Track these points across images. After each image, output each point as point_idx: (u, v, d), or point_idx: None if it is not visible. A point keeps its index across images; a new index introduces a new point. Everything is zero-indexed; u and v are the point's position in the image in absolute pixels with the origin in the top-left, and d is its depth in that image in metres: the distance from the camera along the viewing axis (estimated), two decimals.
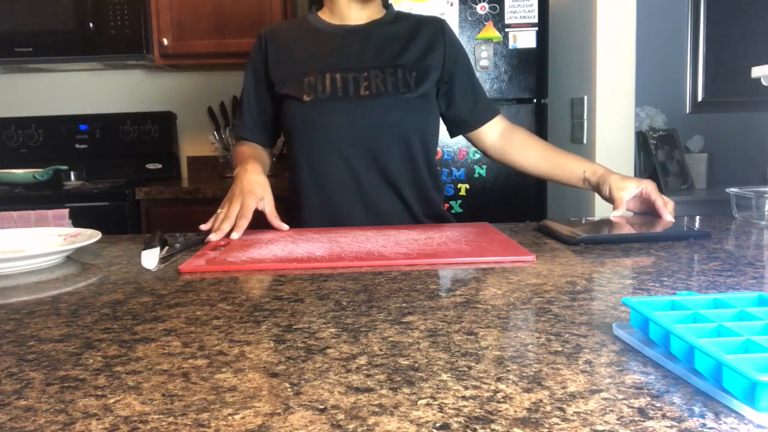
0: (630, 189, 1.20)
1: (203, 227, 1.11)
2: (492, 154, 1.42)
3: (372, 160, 1.28)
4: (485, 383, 0.46)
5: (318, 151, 1.29)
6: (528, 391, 0.45)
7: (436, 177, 1.38)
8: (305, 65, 1.32)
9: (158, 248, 0.96)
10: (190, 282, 0.81)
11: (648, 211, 1.20)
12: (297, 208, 1.35)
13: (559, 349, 0.53)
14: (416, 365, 0.50)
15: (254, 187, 1.18)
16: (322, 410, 0.43)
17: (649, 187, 1.19)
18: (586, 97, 2.41)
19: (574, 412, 0.41)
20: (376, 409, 0.42)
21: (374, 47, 1.34)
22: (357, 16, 1.36)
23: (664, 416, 0.41)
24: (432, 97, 1.34)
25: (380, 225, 1.24)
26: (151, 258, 0.93)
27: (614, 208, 1.20)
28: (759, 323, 0.50)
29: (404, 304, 0.68)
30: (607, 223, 1.16)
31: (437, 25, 1.38)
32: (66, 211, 2.23)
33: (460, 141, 2.30)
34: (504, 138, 1.40)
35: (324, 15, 1.40)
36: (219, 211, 1.15)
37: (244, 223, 1.10)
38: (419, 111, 1.31)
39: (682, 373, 0.47)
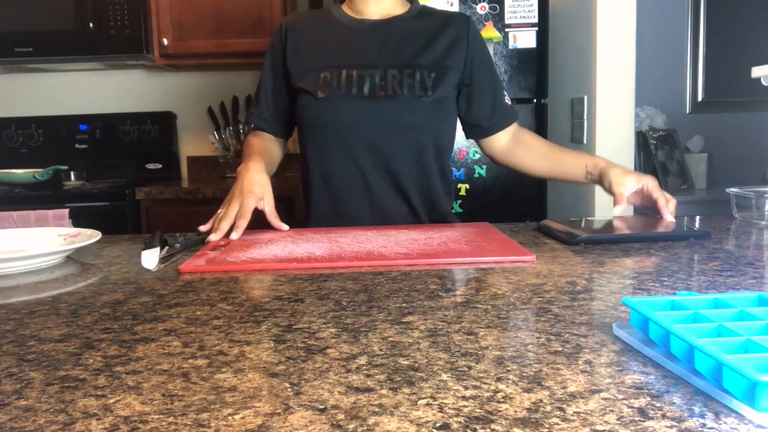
0: (630, 185, 1.18)
1: (202, 228, 1.11)
2: (498, 159, 1.40)
3: (381, 162, 1.27)
4: (485, 383, 0.46)
5: (328, 148, 1.28)
6: (528, 391, 0.45)
7: (447, 183, 1.36)
8: (322, 59, 1.30)
9: (158, 248, 0.96)
10: (190, 282, 0.81)
11: (649, 208, 1.20)
12: (306, 203, 1.35)
13: (559, 349, 0.53)
14: (416, 365, 0.50)
15: (254, 186, 1.18)
16: (322, 410, 0.43)
17: (650, 183, 1.18)
18: (586, 97, 2.41)
19: (574, 412, 0.41)
20: (376, 409, 0.42)
21: (394, 44, 1.30)
22: (373, 10, 1.33)
23: (664, 416, 0.41)
24: (450, 100, 1.31)
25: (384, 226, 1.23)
26: (151, 258, 0.93)
27: (615, 204, 1.19)
28: (759, 323, 0.50)
29: (404, 304, 0.68)
30: (607, 223, 1.16)
31: (463, 23, 1.34)
32: (66, 211, 2.23)
33: (460, 141, 2.30)
34: (510, 142, 1.37)
35: (346, 8, 1.37)
36: (219, 211, 1.15)
37: (243, 223, 1.10)
38: (434, 115, 1.28)
39: (682, 373, 0.47)
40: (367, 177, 1.27)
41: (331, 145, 1.27)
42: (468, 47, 1.32)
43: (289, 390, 0.46)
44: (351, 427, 0.40)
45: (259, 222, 1.17)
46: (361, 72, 1.27)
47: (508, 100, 1.42)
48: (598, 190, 2.36)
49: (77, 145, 2.82)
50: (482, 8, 2.27)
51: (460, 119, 1.38)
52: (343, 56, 1.30)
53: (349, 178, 1.28)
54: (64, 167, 2.56)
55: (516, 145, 1.37)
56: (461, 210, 2.32)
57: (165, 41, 2.53)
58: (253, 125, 1.41)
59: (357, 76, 1.27)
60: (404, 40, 1.31)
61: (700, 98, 3.14)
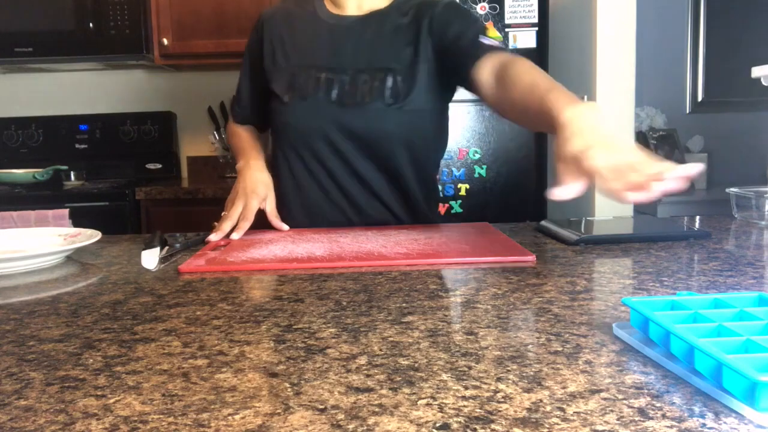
0: (567, 156, 0.69)
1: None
2: (488, 103, 1.12)
3: (351, 169, 1.20)
4: (485, 383, 0.46)
5: (297, 153, 1.22)
6: (528, 391, 0.45)
7: (428, 187, 1.27)
8: (294, 58, 1.23)
9: (158, 248, 0.96)
10: (190, 282, 0.81)
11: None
12: (280, 206, 1.28)
13: (559, 349, 0.53)
14: (416, 365, 0.50)
15: (257, 186, 1.18)
16: (322, 410, 0.43)
17: (602, 161, 0.66)
18: (586, 97, 2.41)
19: (574, 412, 0.41)
20: (376, 409, 0.42)
21: (369, 44, 1.20)
22: (351, 5, 1.24)
23: (664, 416, 0.41)
24: (428, 110, 1.19)
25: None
26: (151, 258, 0.92)
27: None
28: (759, 323, 0.50)
29: (404, 304, 0.68)
30: (607, 223, 1.17)
31: (428, 6, 1.20)
32: (66, 211, 2.23)
33: (460, 141, 2.30)
34: (494, 79, 1.06)
35: (327, 1, 1.27)
36: (223, 213, 1.15)
37: (246, 225, 1.10)
38: (406, 126, 1.17)
39: (682, 373, 0.47)
40: (338, 181, 1.21)
41: (299, 149, 1.21)
42: (433, 29, 1.18)
43: (289, 390, 0.46)
44: (351, 427, 0.40)
45: (259, 222, 1.17)
46: (330, 75, 1.19)
47: (492, 42, 1.15)
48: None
49: (77, 145, 2.82)
50: (482, 8, 2.27)
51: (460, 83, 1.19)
52: (315, 56, 1.22)
53: (320, 182, 1.21)
54: (64, 167, 2.56)
55: (500, 83, 1.04)
56: (461, 210, 2.32)
57: (165, 41, 2.53)
58: (233, 119, 1.38)
59: (326, 80, 1.19)
60: (379, 39, 1.21)
61: (700, 98, 3.14)
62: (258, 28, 1.30)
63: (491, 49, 1.11)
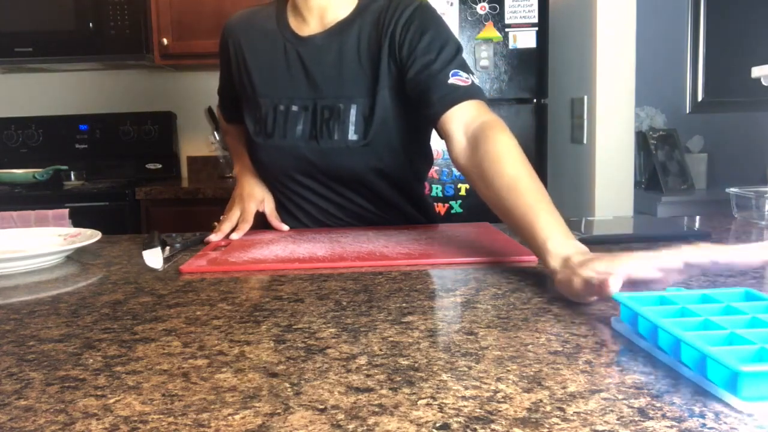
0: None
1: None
2: (459, 168, 0.98)
3: (331, 200, 1.17)
4: (485, 383, 0.46)
5: (274, 185, 1.21)
6: (528, 391, 0.45)
7: (419, 199, 1.24)
8: (259, 86, 1.16)
9: (159, 248, 0.96)
10: (190, 282, 0.81)
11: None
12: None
13: (559, 349, 0.53)
14: (416, 365, 0.50)
15: (254, 189, 1.19)
16: (322, 410, 0.43)
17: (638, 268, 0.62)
18: (586, 97, 2.41)
19: (574, 412, 0.41)
20: (376, 409, 0.42)
21: (332, 70, 1.11)
22: (314, 18, 1.14)
23: (664, 416, 0.41)
24: (395, 133, 1.11)
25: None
26: (155, 257, 0.92)
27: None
28: (744, 317, 0.51)
29: (404, 304, 0.68)
30: (607, 223, 1.16)
31: (390, 16, 1.09)
32: (66, 211, 2.23)
33: None
34: (470, 147, 0.95)
35: (290, 12, 1.16)
36: (222, 217, 1.15)
37: (245, 227, 1.11)
38: (376, 161, 1.11)
39: (671, 363, 0.49)
40: (320, 207, 1.19)
41: (275, 183, 1.20)
42: (392, 51, 1.08)
43: (289, 390, 0.46)
44: (351, 427, 0.40)
45: (260, 223, 1.17)
46: (294, 107, 1.13)
47: (462, 81, 1.03)
48: (598, 190, 2.37)
49: (77, 145, 2.82)
50: (482, 8, 2.27)
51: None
52: (278, 85, 1.15)
53: (302, 207, 1.20)
54: (64, 167, 2.56)
55: (473, 153, 0.94)
56: (461, 210, 2.32)
57: (165, 41, 2.53)
58: (223, 118, 1.36)
59: (290, 115, 1.13)
60: (341, 63, 1.11)
61: (700, 98, 3.14)
62: (224, 44, 1.22)
63: (464, 95, 1.00)
